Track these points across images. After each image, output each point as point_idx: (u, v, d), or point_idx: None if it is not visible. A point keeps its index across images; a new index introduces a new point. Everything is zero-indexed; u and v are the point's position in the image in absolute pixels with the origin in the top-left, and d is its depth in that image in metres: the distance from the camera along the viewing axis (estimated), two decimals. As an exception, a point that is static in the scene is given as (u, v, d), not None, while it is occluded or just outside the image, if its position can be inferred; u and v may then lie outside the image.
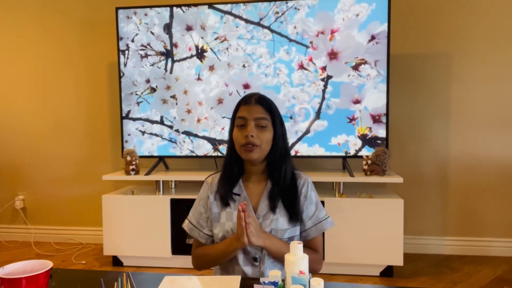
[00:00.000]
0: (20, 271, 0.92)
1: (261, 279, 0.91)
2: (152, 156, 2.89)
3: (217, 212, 1.26)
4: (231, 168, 1.26)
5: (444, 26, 2.87)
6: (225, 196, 1.25)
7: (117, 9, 2.82)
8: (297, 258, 0.91)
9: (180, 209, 2.67)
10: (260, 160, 1.23)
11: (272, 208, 1.22)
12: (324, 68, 2.67)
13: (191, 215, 1.31)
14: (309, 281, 0.88)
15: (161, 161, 2.97)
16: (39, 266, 0.93)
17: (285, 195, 1.23)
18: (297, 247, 0.92)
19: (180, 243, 2.69)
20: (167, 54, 2.82)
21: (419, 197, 2.97)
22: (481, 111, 2.86)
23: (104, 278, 1.02)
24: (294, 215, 1.22)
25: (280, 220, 1.21)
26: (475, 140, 2.88)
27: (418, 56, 2.90)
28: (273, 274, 0.92)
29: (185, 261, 2.71)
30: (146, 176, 2.76)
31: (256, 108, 1.22)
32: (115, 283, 1.01)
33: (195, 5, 2.75)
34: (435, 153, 2.94)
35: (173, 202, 2.68)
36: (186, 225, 1.32)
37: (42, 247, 3.22)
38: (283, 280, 0.95)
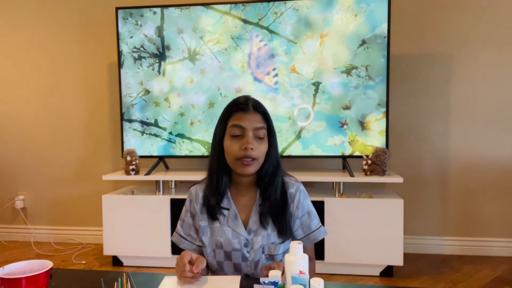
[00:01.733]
0: (20, 271, 0.92)
1: (261, 279, 0.91)
2: (152, 156, 2.89)
3: (205, 226, 1.18)
4: (218, 180, 1.15)
5: (444, 26, 2.87)
6: (212, 210, 1.15)
7: (117, 9, 2.82)
8: (297, 258, 0.90)
9: (180, 209, 2.65)
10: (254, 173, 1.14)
11: (263, 224, 1.14)
12: (313, 73, 2.67)
13: (179, 228, 1.24)
14: (309, 281, 0.88)
15: (161, 161, 2.97)
16: (39, 266, 0.93)
17: (275, 211, 1.14)
18: (297, 247, 0.92)
19: (180, 243, 2.69)
20: (160, 56, 2.81)
21: (419, 197, 2.97)
22: (481, 111, 2.86)
23: (104, 278, 1.02)
24: (283, 232, 1.14)
25: (271, 235, 1.14)
26: (475, 140, 2.88)
27: (418, 56, 2.91)
28: (273, 274, 0.92)
29: (185, 261, 2.70)
30: (146, 176, 2.76)
31: (255, 116, 1.11)
32: (115, 283, 1.01)
33: (195, 5, 2.75)
34: (435, 153, 2.94)
35: (173, 202, 2.68)
36: (175, 237, 1.24)
37: (42, 247, 3.22)
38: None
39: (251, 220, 1.16)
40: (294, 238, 1.19)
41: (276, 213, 1.14)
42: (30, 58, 3.31)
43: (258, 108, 1.14)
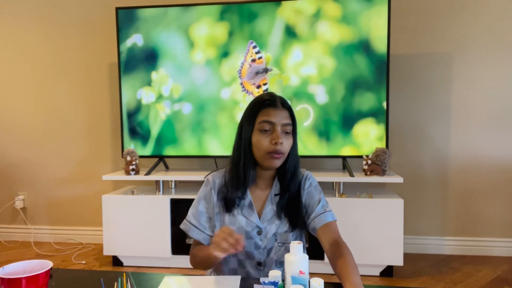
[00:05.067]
0: (20, 271, 0.92)
1: (261, 279, 0.91)
2: (152, 156, 2.89)
3: (219, 214, 1.22)
4: (246, 174, 1.18)
5: (444, 26, 2.87)
6: (231, 202, 1.19)
7: (117, 9, 2.82)
8: (297, 258, 0.90)
9: (180, 209, 2.67)
10: None
11: (278, 213, 1.20)
12: (311, 75, 2.67)
13: (191, 215, 1.24)
14: (309, 281, 0.88)
15: (161, 161, 2.97)
16: (39, 266, 0.93)
17: (291, 203, 1.20)
18: (297, 247, 0.92)
19: (180, 243, 2.69)
20: (151, 62, 2.81)
21: (419, 197, 2.97)
22: (481, 111, 2.86)
23: (104, 278, 1.02)
24: (295, 223, 1.20)
25: (284, 224, 1.20)
26: (475, 140, 2.88)
27: (418, 56, 2.90)
28: (273, 274, 0.92)
29: (185, 261, 2.71)
30: (146, 176, 2.76)
31: (283, 113, 1.17)
32: (115, 283, 1.01)
33: (194, 5, 2.74)
34: (435, 153, 2.94)
35: (173, 202, 2.68)
36: (184, 225, 1.24)
37: (42, 247, 3.22)
38: (283, 280, 0.95)
39: (265, 210, 1.20)
40: (309, 215, 1.21)
41: (292, 205, 1.20)
42: (30, 58, 3.31)
43: (285, 105, 1.19)
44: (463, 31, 2.85)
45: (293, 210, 1.20)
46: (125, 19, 2.81)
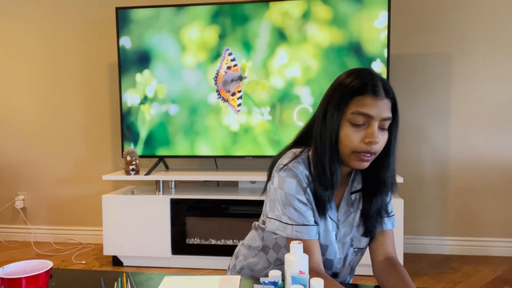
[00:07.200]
0: (20, 271, 0.92)
1: (261, 279, 0.91)
2: (152, 156, 2.89)
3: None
4: (332, 175, 0.95)
5: (444, 26, 2.87)
6: (323, 204, 0.98)
7: (117, 9, 2.82)
8: (297, 258, 0.90)
9: (180, 209, 2.67)
10: None
11: (353, 215, 1.05)
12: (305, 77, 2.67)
13: (295, 218, 0.97)
14: (309, 281, 0.88)
15: (161, 161, 2.97)
16: (39, 266, 0.93)
17: (370, 206, 1.03)
18: (297, 247, 0.91)
19: (180, 243, 2.69)
20: (140, 64, 2.81)
21: (419, 197, 2.97)
22: (481, 111, 2.87)
23: (104, 278, 1.02)
24: (369, 232, 1.06)
25: (360, 226, 1.05)
26: (475, 140, 2.88)
27: (418, 56, 2.91)
28: (273, 274, 0.92)
29: (185, 261, 2.71)
30: (146, 176, 2.76)
31: (385, 103, 0.92)
32: (115, 283, 1.01)
33: (192, 5, 2.74)
34: (435, 153, 2.94)
35: (173, 202, 2.68)
36: (296, 232, 0.97)
37: (42, 247, 3.22)
38: (283, 280, 0.95)
39: (340, 210, 1.03)
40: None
41: (371, 208, 1.04)
42: (30, 58, 3.31)
43: (389, 93, 0.95)
44: (463, 31, 2.85)
45: (372, 214, 1.04)
46: (120, 20, 2.81)
